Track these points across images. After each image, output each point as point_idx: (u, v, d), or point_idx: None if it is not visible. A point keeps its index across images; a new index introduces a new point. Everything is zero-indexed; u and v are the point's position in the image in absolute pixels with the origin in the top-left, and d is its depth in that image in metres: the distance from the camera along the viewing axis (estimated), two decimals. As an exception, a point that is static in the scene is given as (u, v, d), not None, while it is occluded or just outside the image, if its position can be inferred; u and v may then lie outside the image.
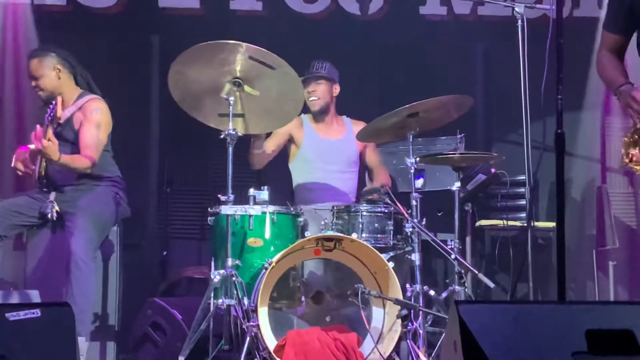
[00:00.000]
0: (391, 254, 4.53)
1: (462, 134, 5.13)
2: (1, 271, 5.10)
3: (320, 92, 5.24)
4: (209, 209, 4.47)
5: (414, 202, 4.48)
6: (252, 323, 4.09)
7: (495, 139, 6.68)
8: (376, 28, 6.59)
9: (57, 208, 4.63)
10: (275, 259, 4.17)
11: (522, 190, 4.49)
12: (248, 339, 4.06)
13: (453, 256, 4.45)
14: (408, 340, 4.13)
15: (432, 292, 4.47)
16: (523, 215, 5.64)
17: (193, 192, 6.68)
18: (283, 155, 5.37)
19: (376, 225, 4.56)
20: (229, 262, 4.24)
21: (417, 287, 4.35)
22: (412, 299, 4.31)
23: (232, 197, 4.31)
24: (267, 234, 4.43)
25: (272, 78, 4.39)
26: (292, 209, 4.55)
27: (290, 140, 5.31)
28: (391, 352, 4.21)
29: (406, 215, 4.45)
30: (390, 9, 6.56)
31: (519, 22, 4.40)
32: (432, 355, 4.20)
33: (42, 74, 4.82)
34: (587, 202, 6.34)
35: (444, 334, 3.80)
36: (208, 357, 4.26)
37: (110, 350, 5.05)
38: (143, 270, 6.25)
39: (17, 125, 6.10)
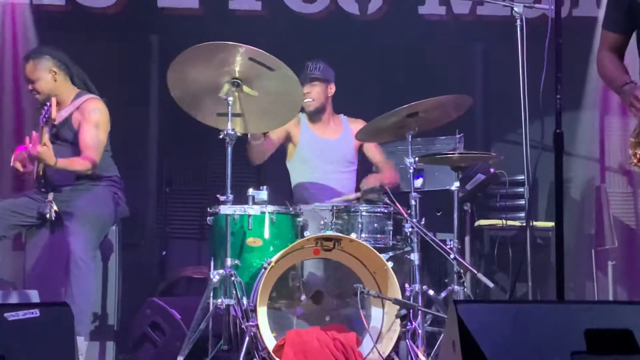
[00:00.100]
0: (390, 253, 4.53)
1: (461, 134, 5.13)
2: (0, 271, 5.10)
3: (314, 94, 5.24)
4: (208, 209, 4.46)
5: (413, 202, 4.48)
6: (251, 323, 4.09)
7: (494, 139, 6.68)
8: (375, 28, 6.59)
9: (55, 208, 4.63)
10: (274, 258, 4.17)
11: (521, 190, 4.49)
12: (247, 338, 4.06)
13: (452, 256, 4.45)
14: (407, 340, 4.13)
15: (431, 292, 4.47)
16: (522, 215, 5.64)
17: (192, 192, 6.68)
18: (281, 154, 5.38)
19: (375, 225, 4.56)
20: (228, 261, 4.24)
21: (416, 286, 4.35)
22: (411, 298, 4.31)
23: (231, 197, 4.30)
24: (266, 234, 4.43)
25: (271, 79, 4.39)
26: (291, 208, 4.55)
27: (288, 137, 5.31)
28: (390, 352, 4.21)
29: (405, 215, 4.45)
30: (389, 8, 6.56)
31: (518, 21, 4.40)
32: (431, 354, 4.20)
33: (37, 77, 4.81)
34: (586, 201, 6.34)
35: (442, 334, 3.80)
36: (207, 357, 4.26)
37: (109, 350, 5.05)
38: (142, 270, 6.25)
39: (16, 125, 6.10)
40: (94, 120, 4.76)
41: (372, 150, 5.36)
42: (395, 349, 4.22)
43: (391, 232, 4.55)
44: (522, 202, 5.48)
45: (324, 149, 5.27)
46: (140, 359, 4.96)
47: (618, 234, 6.03)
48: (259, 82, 4.40)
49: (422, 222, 4.50)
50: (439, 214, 5.36)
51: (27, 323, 2.81)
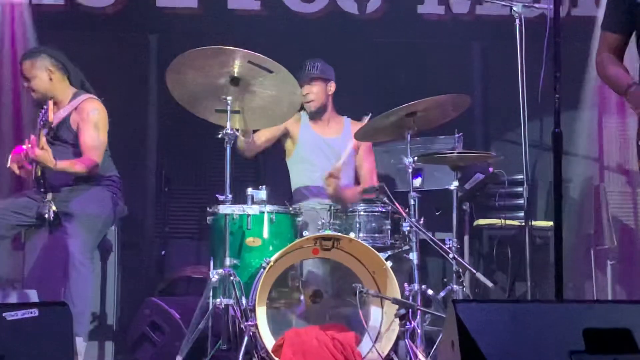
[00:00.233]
0: (389, 253, 4.54)
1: (460, 133, 5.13)
2: (-1, 271, 5.11)
3: (314, 94, 5.22)
4: (207, 209, 4.47)
5: (411, 202, 4.48)
6: (250, 322, 4.09)
7: (493, 138, 6.68)
8: (374, 27, 6.59)
9: (54, 208, 4.63)
10: (273, 258, 4.17)
11: (520, 189, 4.49)
12: (246, 338, 4.06)
13: (451, 255, 4.46)
14: (406, 340, 4.13)
15: (430, 292, 4.47)
16: (521, 214, 5.64)
17: (191, 192, 6.67)
18: (281, 154, 5.37)
19: (374, 224, 4.56)
20: (227, 261, 4.24)
21: (415, 286, 4.35)
22: (410, 298, 4.31)
23: (230, 196, 4.30)
24: (266, 234, 4.43)
25: (270, 79, 4.39)
26: (290, 208, 4.55)
27: (286, 134, 5.29)
28: (389, 351, 4.21)
29: (404, 214, 4.46)
30: (388, 8, 6.56)
31: (517, 21, 4.40)
32: (430, 354, 4.20)
33: (34, 75, 4.81)
34: (585, 201, 6.33)
35: (441, 333, 3.80)
36: (206, 356, 4.26)
37: (108, 350, 5.05)
38: (141, 269, 6.26)
39: (14, 125, 6.09)
40: (93, 120, 4.75)
41: (360, 155, 5.33)
42: (394, 348, 4.23)
43: (389, 232, 4.56)
44: (521, 201, 5.46)
45: (321, 147, 5.26)
46: (139, 359, 4.97)
47: (617, 233, 6.02)
48: (258, 81, 4.39)
49: (421, 222, 4.50)
50: (438, 214, 5.36)
51: (26, 323, 2.81)
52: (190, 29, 6.20)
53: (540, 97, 3.93)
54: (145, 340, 4.94)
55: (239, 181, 4.59)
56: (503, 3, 4.60)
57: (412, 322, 4.18)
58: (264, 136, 5.16)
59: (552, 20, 3.53)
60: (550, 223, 5.23)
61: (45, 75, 4.81)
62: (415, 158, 4.57)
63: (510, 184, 5.49)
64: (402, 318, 4.11)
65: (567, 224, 3.53)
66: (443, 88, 4.80)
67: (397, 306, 4.15)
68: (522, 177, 4.40)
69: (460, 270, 4.53)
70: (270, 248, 4.40)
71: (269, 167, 5.37)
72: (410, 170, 4.52)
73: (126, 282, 5.32)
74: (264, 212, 4.40)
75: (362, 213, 4.55)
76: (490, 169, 5.51)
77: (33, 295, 4.91)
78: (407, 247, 4.49)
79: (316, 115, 5.30)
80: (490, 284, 4.48)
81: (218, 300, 4.21)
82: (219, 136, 4.34)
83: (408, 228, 4.44)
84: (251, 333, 4.08)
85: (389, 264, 4.25)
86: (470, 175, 5.45)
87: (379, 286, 4.28)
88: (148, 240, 6.51)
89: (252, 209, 4.33)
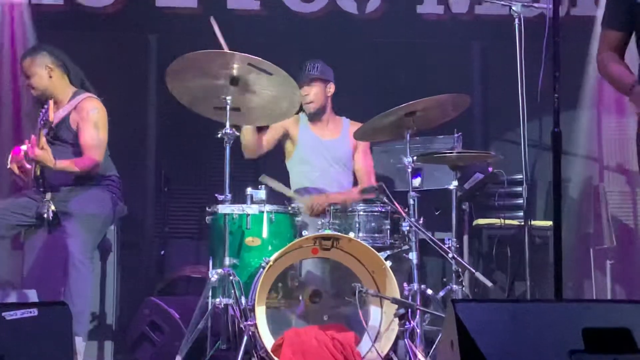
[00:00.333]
0: (389, 253, 4.53)
1: (460, 133, 5.13)
2: (-1, 270, 5.11)
3: (313, 95, 5.22)
4: (206, 208, 4.47)
5: (411, 201, 4.48)
6: (249, 322, 4.09)
7: (493, 138, 6.68)
8: (373, 27, 6.60)
9: (53, 208, 4.63)
10: (272, 258, 4.17)
11: (520, 189, 4.48)
12: (246, 338, 4.06)
13: (450, 255, 4.45)
14: (405, 339, 4.13)
15: (429, 291, 4.47)
16: (520, 214, 5.64)
17: (191, 191, 6.67)
18: (280, 154, 5.37)
19: (373, 224, 4.56)
20: (227, 261, 4.24)
21: (415, 286, 4.35)
22: (410, 298, 4.31)
23: (229, 196, 4.30)
24: (265, 233, 4.43)
25: (270, 80, 4.38)
26: (289, 208, 4.55)
27: (286, 135, 5.29)
28: (389, 351, 4.21)
29: (403, 214, 4.46)
30: (387, 8, 6.56)
31: (516, 20, 4.40)
32: (430, 354, 4.20)
33: (33, 72, 4.82)
34: (585, 200, 6.33)
35: (441, 333, 3.80)
36: (205, 356, 4.26)
37: (107, 350, 5.05)
38: (141, 269, 6.26)
39: (14, 125, 6.10)
40: (93, 119, 4.75)
41: (358, 156, 5.33)
42: (394, 348, 4.22)
43: (389, 231, 4.55)
44: (521, 201, 5.46)
45: (320, 149, 5.26)
46: (138, 359, 4.97)
47: (616, 233, 6.03)
48: (258, 81, 4.39)
49: (421, 221, 4.50)
50: (437, 213, 5.35)
51: (25, 322, 2.81)
52: (190, 29, 6.20)
53: (539, 96, 3.93)
54: (144, 340, 4.94)
55: (239, 181, 4.59)
56: (502, 3, 4.60)
57: (412, 321, 4.18)
58: (266, 141, 5.17)
59: (552, 20, 3.53)
60: (550, 223, 5.24)
61: (45, 73, 4.82)
62: (415, 158, 4.57)
63: (510, 183, 5.49)
64: (402, 318, 4.11)
65: (566, 223, 3.53)
66: (442, 88, 4.80)
67: (396, 306, 4.15)
68: (521, 176, 4.39)
69: (460, 269, 4.53)
70: (270, 248, 4.40)
71: (268, 167, 5.36)
72: (409, 170, 4.52)
73: (126, 281, 5.32)
74: (263, 212, 4.40)
75: (361, 213, 4.55)
76: (490, 169, 5.51)
77: (32, 295, 4.91)
78: (406, 247, 4.49)
79: (315, 117, 5.30)
80: (489, 284, 4.48)
81: (217, 300, 4.20)
82: (219, 136, 4.33)
83: (407, 228, 4.45)
84: (250, 333, 4.08)
85: (388, 263, 4.25)
86: (470, 175, 5.45)
87: (379, 286, 4.28)
88: (148, 240, 6.51)
89: (252, 209, 4.33)
